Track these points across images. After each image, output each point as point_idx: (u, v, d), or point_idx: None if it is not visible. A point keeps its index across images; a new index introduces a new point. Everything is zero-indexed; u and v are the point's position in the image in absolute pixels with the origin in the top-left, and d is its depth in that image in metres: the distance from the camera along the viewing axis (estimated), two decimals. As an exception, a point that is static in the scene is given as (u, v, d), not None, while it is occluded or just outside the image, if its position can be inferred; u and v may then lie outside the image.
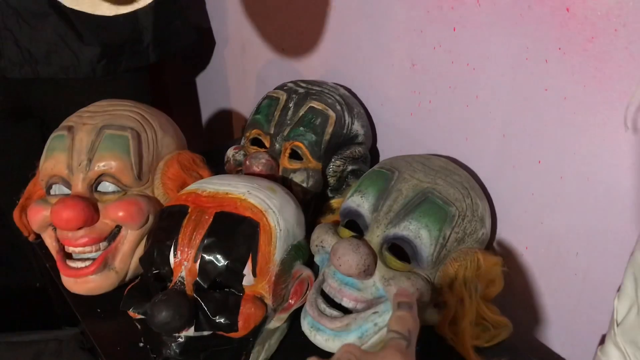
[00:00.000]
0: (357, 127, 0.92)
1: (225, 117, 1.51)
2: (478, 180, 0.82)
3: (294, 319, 0.76)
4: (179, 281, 0.65)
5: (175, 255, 0.65)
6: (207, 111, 1.60)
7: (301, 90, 0.91)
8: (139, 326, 0.78)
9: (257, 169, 0.86)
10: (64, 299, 0.88)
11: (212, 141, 1.61)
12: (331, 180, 0.90)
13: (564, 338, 0.79)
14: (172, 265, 0.66)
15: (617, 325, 0.61)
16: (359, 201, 0.74)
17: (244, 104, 1.40)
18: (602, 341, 0.64)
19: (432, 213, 0.70)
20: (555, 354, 0.80)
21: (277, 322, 0.71)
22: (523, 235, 0.80)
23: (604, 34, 0.61)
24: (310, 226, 0.78)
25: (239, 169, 0.92)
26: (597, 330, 0.73)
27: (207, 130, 1.62)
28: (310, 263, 0.76)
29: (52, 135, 0.85)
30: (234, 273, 0.65)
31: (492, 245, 0.83)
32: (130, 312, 0.67)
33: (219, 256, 0.65)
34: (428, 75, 0.85)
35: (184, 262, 0.65)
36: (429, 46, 0.83)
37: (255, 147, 0.93)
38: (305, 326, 0.72)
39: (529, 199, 0.77)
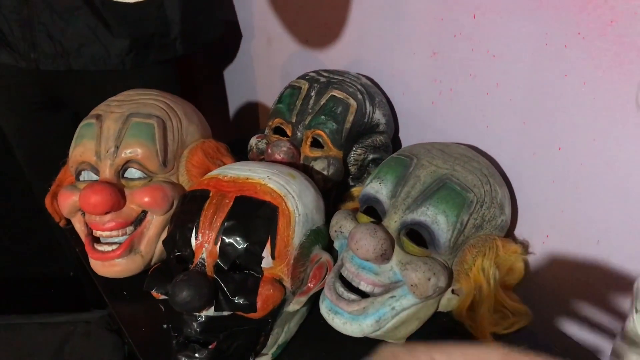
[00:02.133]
0: (379, 116, 0.92)
1: (251, 108, 1.54)
2: (499, 168, 0.82)
3: (314, 304, 0.77)
4: (200, 263, 0.67)
5: (196, 237, 0.67)
6: (234, 103, 1.62)
7: (323, 80, 0.92)
8: (162, 307, 0.81)
9: (278, 156, 0.87)
10: (93, 282, 0.91)
11: (239, 132, 1.64)
12: (352, 169, 0.91)
13: (584, 326, 0.78)
14: (193, 248, 0.67)
15: (637, 311, 0.61)
16: (378, 187, 0.75)
17: (270, 96, 1.42)
18: (622, 329, 0.64)
19: (449, 199, 0.70)
20: (575, 342, 0.79)
21: (296, 305, 0.72)
22: (544, 223, 0.79)
23: (623, 18, 0.61)
24: (330, 214, 0.79)
25: (262, 157, 0.94)
26: (617, 318, 0.72)
27: (234, 121, 1.65)
28: (329, 249, 0.77)
29: (81, 124, 0.87)
30: (253, 255, 0.67)
31: (512, 233, 0.83)
32: (153, 293, 0.69)
33: (238, 239, 0.66)
34: (449, 63, 0.85)
35: (204, 244, 0.67)
36: (449, 34, 0.83)
37: (277, 136, 0.94)
38: (324, 309, 0.74)
39: (549, 186, 0.77)
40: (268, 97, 1.44)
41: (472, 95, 0.83)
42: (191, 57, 1.67)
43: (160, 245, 0.86)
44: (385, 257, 0.69)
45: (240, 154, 0.93)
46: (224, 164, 0.89)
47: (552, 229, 0.79)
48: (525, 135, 0.77)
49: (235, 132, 1.65)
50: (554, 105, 0.72)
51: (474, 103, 0.83)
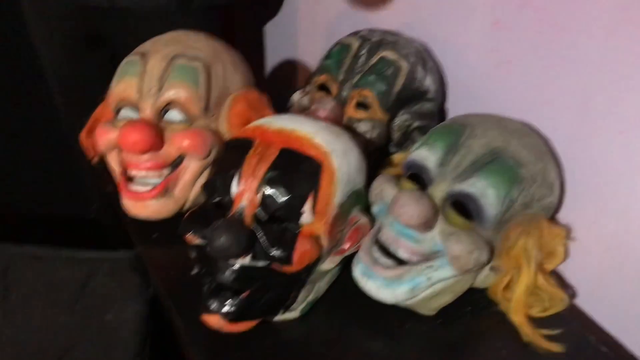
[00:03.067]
0: (429, 83, 0.89)
1: (290, 66, 1.51)
2: (551, 147, 0.79)
3: (344, 266, 0.75)
4: (239, 211, 0.65)
5: (238, 185, 0.66)
6: (271, 58, 1.59)
7: (375, 39, 0.89)
8: (192, 254, 0.80)
9: (322, 114, 0.85)
10: (120, 223, 0.90)
11: (274, 89, 1.61)
12: (396, 135, 0.89)
13: (623, 320, 0.76)
14: (233, 195, 0.66)
15: None
16: (426, 154, 0.72)
17: (311, 55, 1.39)
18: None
19: (502, 173, 0.68)
20: (611, 336, 0.77)
21: (329, 264, 0.70)
22: (592, 208, 0.76)
23: None
24: (369, 179, 0.77)
25: (304, 114, 0.91)
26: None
27: (270, 77, 1.62)
28: (367, 212, 0.75)
29: (125, 60, 0.86)
30: (293, 209, 0.65)
31: (556, 215, 0.80)
32: (188, 237, 0.68)
33: (280, 191, 0.64)
34: (511, 34, 0.81)
35: (245, 192, 0.65)
36: (515, 3, 0.79)
37: (321, 93, 0.92)
38: (357, 272, 0.72)
39: (604, 171, 0.73)
40: (308, 55, 1.41)
41: (532, 69, 0.80)
42: (233, 10, 1.63)
43: (194, 191, 0.85)
44: (428, 225, 0.67)
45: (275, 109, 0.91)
46: (265, 117, 0.87)
47: (600, 216, 0.76)
48: (586, 115, 0.74)
49: (270, 90, 1.62)
50: (622, 86, 0.68)
51: (533, 77, 0.80)
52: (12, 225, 1.58)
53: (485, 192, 0.67)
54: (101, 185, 1.02)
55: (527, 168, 0.69)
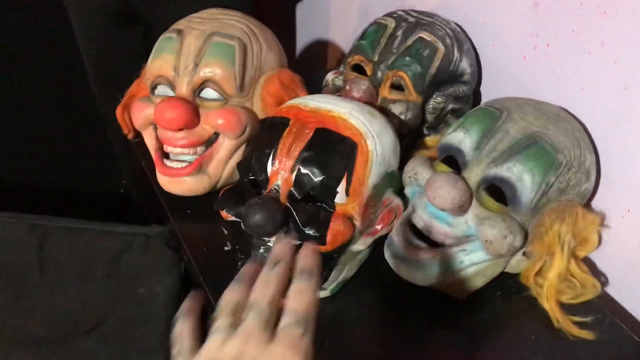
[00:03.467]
0: (465, 65, 0.88)
1: (321, 47, 1.50)
2: (588, 133, 0.77)
3: (375, 247, 0.76)
4: (274, 189, 0.66)
5: (273, 164, 0.66)
6: (303, 39, 1.59)
7: (411, 20, 0.88)
8: (225, 231, 0.81)
9: (357, 94, 0.85)
10: (155, 198, 0.91)
11: (306, 69, 1.60)
12: (429, 117, 0.88)
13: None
14: (269, 173, 0.66)
15: None
16: (461, 137, 0.72)
17: (343, 35, 1.38)
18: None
19: (538, 158, 0.67)
20: (642, 323, 0.77)
21: (361, 245, 0.71)
22: (627, 197, 0.75)
23: None
24: (402, 161, 0.77)
25: (338, 94, 0.91)
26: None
27: (301, 57, 1.61)
28: (400, 194, 0.76)
29: (161, 37, 0.86)
30: (328, 189, 0.65)
31: (590, 202, 0.79)
32: (223, 213, 0.69)
33: (315, 170, 0.65)
34: (551, 16, 0.80)
35: (280, 171, 0.66)
36: (558, -16, 0.77)
37: (355, 73, 0.91)
38: (389, 254, 0.72)
39: (641, 159, 0.72)
40: (340, 35, 1.40)
41: (571, 53, 0.78)
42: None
43: (227, 169, 0.85)
44: (462, 209, 0.67)
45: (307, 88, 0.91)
46: (298, 96, 0.87)
47: (635, 205, 0.75)
48: (625, 101, 0.73)
49: (300, 67, 1.62)
50: (664, 73, 0.67)
51: (572, 62, 0.78)
52: (46, 198, 1.62)
53: (522, 176, 0.67)
54: (135, 160, 1.03)
55: (564, 154, 0.68)
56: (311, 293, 0.42)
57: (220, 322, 0.42)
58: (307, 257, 0.45)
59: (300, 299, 0.42)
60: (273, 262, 0.44)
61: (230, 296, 0.44)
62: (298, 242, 0.65)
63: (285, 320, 0.41)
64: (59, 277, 0.91)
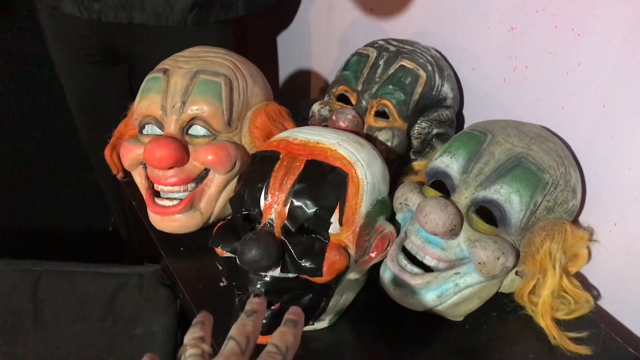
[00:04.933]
0: (447, 90, 0.90)
1: (303, 76, 1.52)
2: (571, 150, 0.79)
3: (370, 274, 0.76)
4: (268, 223, 0.66)
5: (265, 197, 0.67)
6: (285, 69, 1.61)
7: (392, 49, 0.90)
8: (219, 266, 0.81)
9: (343, 124, 0.86)
10: (147, 236, 0.91)
11: (289, 99, 1.62)
12: (415, 142, 0.90)
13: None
14: (262, 208, 0.67)
15: None
16: (448, 162, 0.73)
17: (325, 65, 1.40)
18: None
19: (525, 178, 0.69)
20: (637, 337, 0.78)
21: (356, 273, 0.71)
22: (613, 211, 0.77)
23: None
24: (391, 187, 0.78)
25: (324, 125, 0.92)
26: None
27: (284, 87, 1.63)
28: (392, 220, 0.77)
29: (147, 77, 0.87)
30: (322, 220, 0.66)
31: (578, 218, 0.81)
32: (218, 250, 0.69)
33: (308, 202, 0.66)
34: (527, 39, 0.82)
35: (274, 205, 0.66)
36: (532, 9, 0.80)
37: (341, 103, 0.93)
38: (385, 281, 0.73)
39: (624, 173, 0.74)
40: (322, 65, 1.42)
41: (549, 74, 0.80)
42: (245, 20, 1.65)
43: (219, 204, 0.86)
44: (454, 232, 0.68)
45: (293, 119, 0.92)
46: (286, 128, 0.88)
47: (621, 218, 0.76)
48: (604, 118, 0.75)
49: (285, 100, 1.64)
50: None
51: (550, 82, 0.81)
52: (35, 240, 1.61)
53: (510, 198, 0.68)
54: (125, 199, 1.03)
55: (550, 173, 0.70)
56: (292, 337, 0.45)
57: (194, 350, 0.45)
58: (294, 312, 0.49)
59: (283, 337, 0.45)
60: (247, 315, 0.48)
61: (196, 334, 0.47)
62: (294, 275, 0.66)
63: (265, 349, 0.44)
64: (54, 321, 0.90)
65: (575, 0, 0.74)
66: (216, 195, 0.85)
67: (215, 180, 0.84)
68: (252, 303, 0.49)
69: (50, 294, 0.91)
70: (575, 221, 0.79)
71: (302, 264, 0.65)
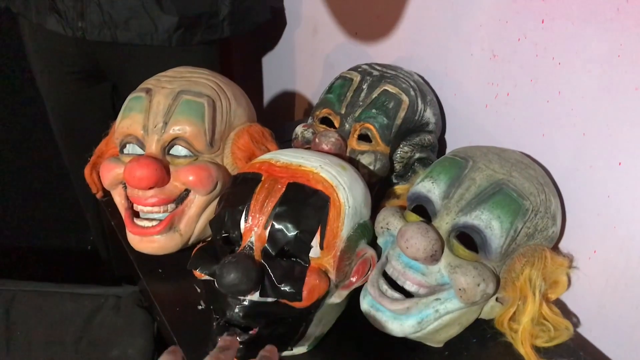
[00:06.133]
0: (429, 115, 0.91)
1: (288, 99, 1.52)
2: (551, 178, 0.80)
3: (351, 299, 0.76)
4: (248, 246, 0.66)
5: (246, 220, 0.66)
6: (270, 91, 1.61)
7: (376, 73, 0.91)
8: (198, 289, 0.80)
9: (326, 147, 0.86)
10: (125, 257, 0.90)
11: (273, 121, 1.63)
12: (397, 166, 0.90)
13: (626, 347, 0.77)
14: (242, 230, 0.66)
15: None
16: (430, 187, 0.73)
17: (309, 87, 1.41)
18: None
19: (505, 205, 0.69)
20: (615, 363, 0.78)
21: (337, 298, 0.71)
22: (593, 238, 0.78)
23: None
24: (373, 211, 0.78)
25: (307, 147, 0.92)
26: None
27: (268, 109, 1.64)
28: (373, 244, 0.76)
29: (130, 96, 0.87)
30: (302, 243, 0.65)
31: (557, 245, 0.81)
32: (197, 272, 0.68)
33: (289, 225, 0.65)
34: (509, 67, 0.83)
35: (254, 227, 0.66)
36: (513, 37, 0.81)
37: (324, 126, 0.93)
38: (365, 306, 0.72)
39: (604, 201, 0.75)
40: (307, 87, 1.43)
41: (530, 102, 0.81)
42: (231, 41, 1.65)
43: (199, 225, 0.85)
44: (434, 258, 0.68)
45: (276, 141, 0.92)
46: (268, 150, 0.88)
47: (601, 245, 0.77)
48: (584, 147, 0.76)
49: (269, 122, 1.64)
50: (619, 119, 0.70)
51: (531, 109, 0.82)
52: (12, 259, 1.58)
53: (490, 224, 0.68)
54: (104, 219, 1.02)
55: (530, 200, 0.70)
56: None
57: None
58: (270, 350, 0.51)
59: None
60: (220, 350, 0.49)
61: None
62: (273, 299, 0.65)
63: None
64: (27, 344, 0.88)
65: (556, 29, 0.75)
66: (196, 217, 0.84)
67: (195, 201, 0.83)
68: (225, 340, 0.51)
69: (24, 315, 0.89)
70: (555, 248, 0.80)
71: (282, 289, 0.64)
